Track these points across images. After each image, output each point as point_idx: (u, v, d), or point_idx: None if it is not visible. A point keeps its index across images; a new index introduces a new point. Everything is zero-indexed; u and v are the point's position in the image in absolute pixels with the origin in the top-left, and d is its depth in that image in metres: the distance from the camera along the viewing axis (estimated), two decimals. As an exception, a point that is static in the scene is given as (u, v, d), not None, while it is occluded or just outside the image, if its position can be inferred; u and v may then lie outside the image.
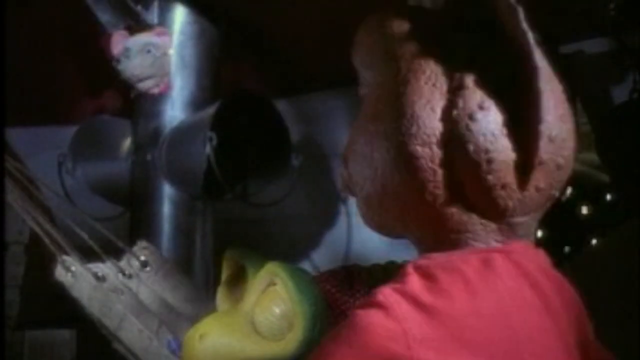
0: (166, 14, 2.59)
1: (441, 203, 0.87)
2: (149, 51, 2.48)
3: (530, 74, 0.83)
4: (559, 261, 0.99)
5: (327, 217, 3.06)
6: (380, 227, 0.99)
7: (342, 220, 3.02)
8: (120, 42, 2.49)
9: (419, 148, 0.86)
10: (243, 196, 2.68)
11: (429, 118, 0.86)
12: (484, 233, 0.89)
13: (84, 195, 2.65)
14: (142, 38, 2.50)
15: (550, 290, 0.89)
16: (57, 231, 1.61)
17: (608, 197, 2.34)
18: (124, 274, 1.52)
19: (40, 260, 1.73)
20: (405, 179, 0.88)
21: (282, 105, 2.66)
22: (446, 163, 0.86)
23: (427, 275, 0.83)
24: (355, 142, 0.94)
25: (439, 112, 0.87)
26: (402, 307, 0.79)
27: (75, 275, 1.50)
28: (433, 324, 0.79)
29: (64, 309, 1.66)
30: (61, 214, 1.80)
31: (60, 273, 1.51)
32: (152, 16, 2.56)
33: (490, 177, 0.85)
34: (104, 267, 1.53)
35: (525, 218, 0.90)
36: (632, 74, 2.41)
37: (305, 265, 2.94)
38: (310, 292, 1.23)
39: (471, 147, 0.85)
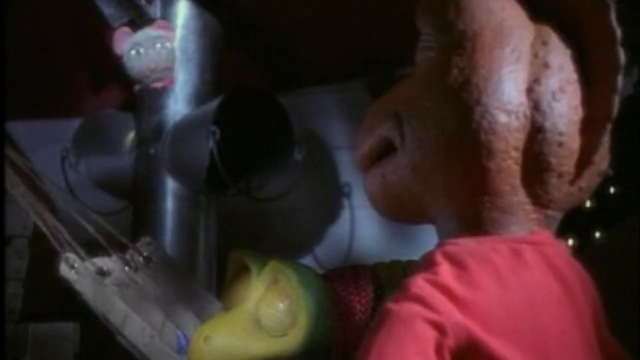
0: (169, 7, 2.59)
1: (501, 176, 0.87)
2: (160, 44, 2.48)
3: (610, 70, 0.84)
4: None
5: (331, 211, 3.06)
6: (402, 209, 0.98)
7: (345, 214, 3.02)
8: (123, 39, 2.49)
9: (500, 114, 0.86)
10: (246, 190, 2.68)
11: (512, 88, 0.86)
12: (524, 219, 0.89)
13: (87, 190, 2.66)
14: (150, 32, 2.50)
15: (573, 281, 0.90)
16: (60, 225, 1.61)
17: (611, 190, 2.34)
18: (129, 267, 1.52)
19: (44, 253, 1.73)
20: (475, 142, 0.87)
21: (284, 100, 2.65)
22: (519, 135, 0.86)
23: (457, 263, 0.83)
24: (421, 99, 0.92)
25: (520, 84, 0.86)
26: (437, 297, 0.80)
27: (78, 272, 1.50)
28: (466, 314, 0.79)
29: (68, 302, 1.66)
30: (65, 208, 1.81)
31: (64, 270, 1.52)
32: (155, 10, 2.56)
33: (553, 160, 0.86)
34: (109, 261, 1.53)
35: (560, 214, 0.91)
36: (636, 67, 2.40)
37: (308, 260, 2.94)
38: (314, 288, 1.23)
39: (548, 125, 0.85)
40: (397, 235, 2.70)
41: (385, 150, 0.99)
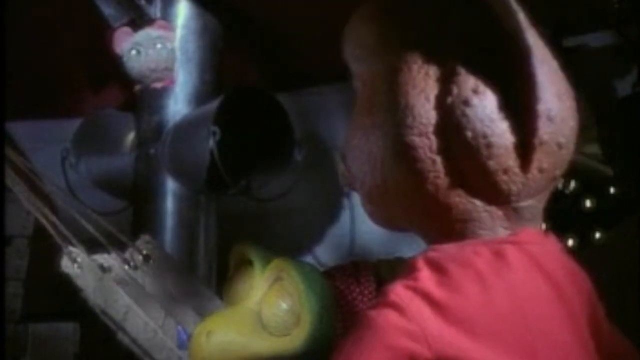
0: (169, 8, 2.59)
1: (443, 192, 0.86)
2: (160, 44, 2.49)
3: (521, 53, 0.83)
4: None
5: (331, 211, 3.06)
6: (386, 222, 0.98)
7: (345, 214, 3.02)
8: (123, 40, 2.49)
9: (415, 138, 0.85)
10: (246, 190, 2.68)
11: (424, 107, 0.85)
12: (490, 220, 0.87)
13: (87, 190, 2.66)
14: (151, 32, 2.50)
15: (563, 278, 0.89)
16: (61, 224, 1.61)
17: (611, 190, 2.34)
18: (129, 265, 1.52)
19: (44, 253, 1.73)
20: (405, 170, 0.86)
21: (284, 100, 2.66)
22: (445, 151, 0.85)
23: (438, 268, 0.82)
24: (352, 137, 0.93)
25: (433, 100, 0.85)
26: (415, 305, 0.79)
27: (81, 266, 1.50)
28: (447, 321, 0.78)
29: (68, 302, 1.66)
30: (65, 207, 1.81)
31: (66, 264, 1.52)
32: (155, 10, 2.56)
33: (490, 163, 0.84)
34: (109, 258, 1.53)
35: (531, 201, 0.89)
36: (635, 67, 2.40)
37: (309, 259, 2.94)
38: (317, 287, 1.22)
39: (469, 134, 0.84)
40: (397, 235, 2.70)
41: None
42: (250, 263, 1.31)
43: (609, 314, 0.97)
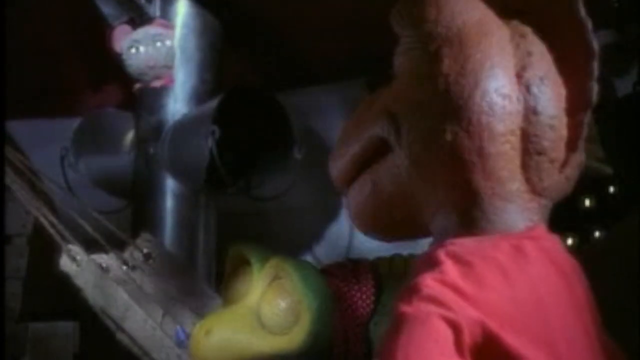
0: (168, 7, 2.59)
1: (501, 160, 0.88)
2: (159, 42, 2.49)
3: (586, 59, 0.86)
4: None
5: (330, 210, 3.06)
6: (391, 220, 0.98)
7: (344, 213, 3.01)
8: (122, 37, 2.49)
9: (496, 96, 0.87)
10: (245, 189, 2.68)
11: (504, 73, 0.88)
12: (522, 208, 0.89)
13: (87, 189, 2.66)
14: (149, 30, 2.50)
15: (572, 275, 0.90)
16: (60, 223, 1.61)
17: (611, 189, 2.34)
18: (127, 266, 1.52)
19: (43, 252, 1.73)
20: (476, 127, 0.87)
21: (284, 99, 2.66)
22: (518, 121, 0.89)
23: (460, 261, 0.83)
24: (412, 94, 0.93)
25: (511, 69, 0.89)
26: (448, 296, 0.79)
27: (80, 265, 1.50)
28: (478, 311, 0.79)
29: (67, 301, 1.66)
30: (64, 206, 1.81)
31: (65, 263, 1.52)
32: (155, 9, 2.56)
33: (546, 144, 0.88)
34: (108, 258, 1.53)
35: (550, 204, 0.92)
36: (635, 67, 2.40)
37: (308, 258, 2.94)
38: (316, 285, 1.23)
39: (540, 108, 0.87)
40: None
41: (372, 156, 0.99)
42: (247, 262, 1.32)
43: (609, 314, 0.98)
